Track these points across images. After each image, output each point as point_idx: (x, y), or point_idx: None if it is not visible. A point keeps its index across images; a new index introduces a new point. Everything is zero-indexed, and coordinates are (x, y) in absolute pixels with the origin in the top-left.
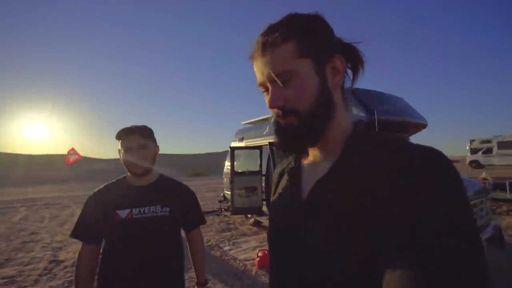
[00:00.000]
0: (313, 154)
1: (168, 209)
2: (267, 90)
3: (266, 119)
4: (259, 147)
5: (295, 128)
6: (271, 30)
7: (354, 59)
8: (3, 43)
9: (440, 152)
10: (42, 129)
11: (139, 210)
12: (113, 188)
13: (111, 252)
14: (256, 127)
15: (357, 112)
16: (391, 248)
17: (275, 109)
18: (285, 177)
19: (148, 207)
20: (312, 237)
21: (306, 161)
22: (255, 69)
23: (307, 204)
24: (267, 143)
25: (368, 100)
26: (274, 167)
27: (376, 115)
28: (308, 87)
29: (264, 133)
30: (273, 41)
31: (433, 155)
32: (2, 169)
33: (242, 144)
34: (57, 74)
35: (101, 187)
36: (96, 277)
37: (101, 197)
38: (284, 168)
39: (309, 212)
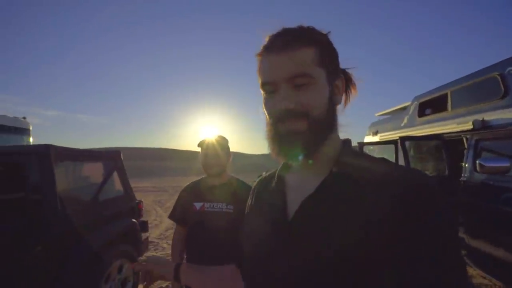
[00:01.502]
0: (300, 169)
1: (231, 207)
2: (273, 91)
3: (404, 108)
4: (394, 142)
5: (304, 132)
6: (290, 32)
7: (348, 84)
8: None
9: (426, 174)
10: (211, 131)
11: (210, 205)
12: (197, 184)
13: (190, 234)
14: (393, 118)
15: None
16: (387, 271)
17: (282, 111)
18: (267, 192)
19: (217, 203)
20: (299, 257)
21: (292, 176)
22: (261, 66)
23: (294, 223)
24: (398, 138)
25: None
26: (408, 165)
27: None
28: (322, 96)
29: (402, 124)
30: (295, 42)
31: (421, 177)
32: (184, 162)
33: (376, 138)
34: (222, 82)
35: (190, 182)
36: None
37: (188, 190)
38: (265, 182)
39: (296, 231)
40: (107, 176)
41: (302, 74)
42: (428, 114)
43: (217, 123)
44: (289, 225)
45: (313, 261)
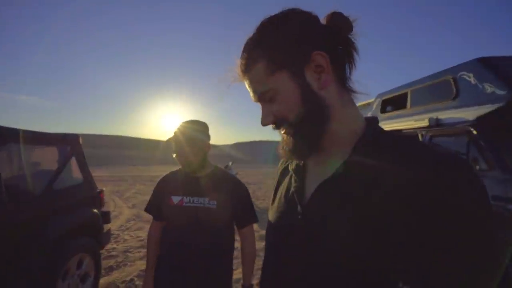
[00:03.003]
0: (321, 154)
1: (215, 203)
2: None
3: (368, 104)
4: None
5: (293, 137)
6: (243, 51)
7: (342, 41)
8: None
9: (462, 159)
10: (175, 120)
11: (189, 199)
12: (175, 175)
13: (167, 230)
14: None
15: (492, 89)
16: (402, 265)
17: (272, 127)
18: (289, 175)
19: (197, 198)
20: (312, 240)
21: (312, 159)
22: None
23: (308, 207)
24: None
25: None
26: None
27: None
28: (289, 99)
29: None
30: (246, 66)
31: (454, 164)
32: (147, 152)
33: None
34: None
35: (168, 172)
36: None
37: (165, 181)
38: (288, 164)
39: (311, 214)
40: (64, 163)
41: (262, 92)
42: (390, 111)
43: (181, 112)
44: (304, 208)
45: (323, 244)
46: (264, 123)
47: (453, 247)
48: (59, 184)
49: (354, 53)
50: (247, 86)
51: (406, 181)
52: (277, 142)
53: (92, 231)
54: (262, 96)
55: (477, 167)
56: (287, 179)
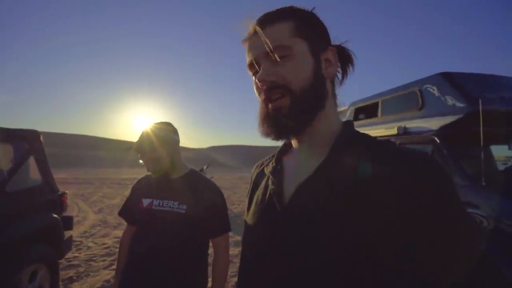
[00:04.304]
0: (297, 151)
1: (184, 207)
2: (257, 71)
3: (341, 112)
4: None
5: (288, 108)
6: (268, 12)
7: (344, 58)
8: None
9: (434, 159)
10: (148, 121)
11: (159, 202)
12: (149, 177)
13: (135, 234)
14: None
15: (452, 101)
16: (385, 266)
17: (264, 88)
18: (265, 177)
19: (167, 201)
20: (294, 242)
21: (289, 160)
22: (246, 51)
23: (288, 208)
24: None
25: (470, 85)
26: None
27: (481, 105)
28: (303, 67)
29: None
30: (271, 18)
31: (428, 163)
32: (119, 153)
33: None
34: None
35: (143, 175)
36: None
37: (139, 184)
38: (263, 167)
39: (292, 216)
40: (20, 162)
41: (277, 46)
42: (362, 119)
43: (155, 114)
44: (284, 210)
45: (307, 250)
46: (262, 78)
47: (432, 238)
48: (13, 186)
49: (350, 67)
50: (256, 40)
51: (383, 179)
52: (251, 147)
53: (50, 238)
54: (274, 51)
55: None
56: (263, 182)
